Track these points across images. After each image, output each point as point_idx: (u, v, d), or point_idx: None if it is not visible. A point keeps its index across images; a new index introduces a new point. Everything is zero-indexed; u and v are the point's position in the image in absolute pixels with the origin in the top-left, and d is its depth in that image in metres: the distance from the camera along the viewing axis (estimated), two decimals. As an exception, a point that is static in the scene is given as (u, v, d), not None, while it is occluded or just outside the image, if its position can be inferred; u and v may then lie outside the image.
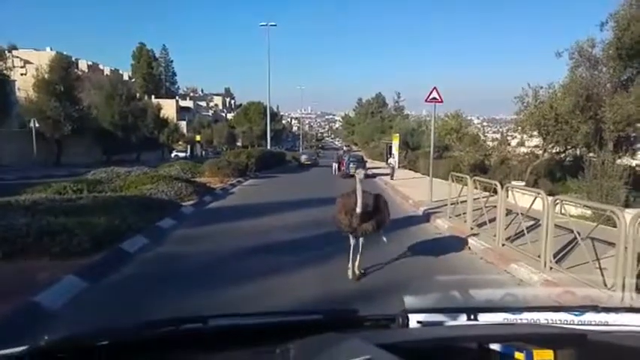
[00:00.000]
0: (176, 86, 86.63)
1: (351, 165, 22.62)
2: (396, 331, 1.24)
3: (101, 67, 74.64)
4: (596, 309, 1.33)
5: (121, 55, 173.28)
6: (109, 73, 62.91)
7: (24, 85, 32.92)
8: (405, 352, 0.94)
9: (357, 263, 5.55)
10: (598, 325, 1.26)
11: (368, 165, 26.98)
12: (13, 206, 7.85)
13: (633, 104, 14.22)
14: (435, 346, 1.05)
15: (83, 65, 64.82)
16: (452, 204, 9.83)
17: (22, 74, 47.77)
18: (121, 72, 72.71)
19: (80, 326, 3.60)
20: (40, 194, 9.90)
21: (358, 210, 5.25)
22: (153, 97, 58.80)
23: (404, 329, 1.23)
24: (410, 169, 29.76)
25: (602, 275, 5.15)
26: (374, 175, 23.91)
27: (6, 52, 31.28)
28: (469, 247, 7.48)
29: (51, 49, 54.59)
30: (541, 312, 1.31)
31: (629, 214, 5.45)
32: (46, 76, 28.98)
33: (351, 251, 5.56)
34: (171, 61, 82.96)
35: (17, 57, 52.78)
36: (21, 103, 30.73)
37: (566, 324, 1.26)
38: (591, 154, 14.79)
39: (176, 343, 1.16)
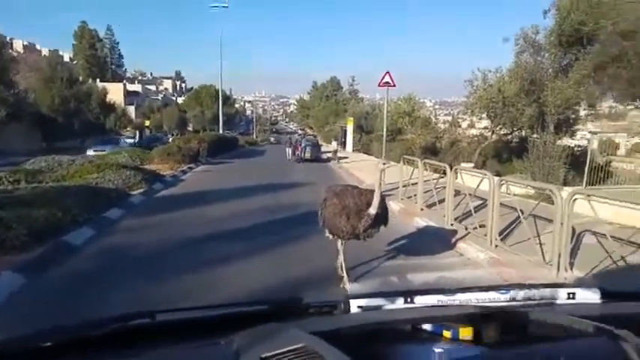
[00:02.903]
0: (123, 69, 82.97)
1: (306, 149, 22.59)
2: (336, 317, 1.28)
3: (38, 47, 70.17)
4: (521, 286, 1.43)
5: (61, 35, 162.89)
6: (47, 54, 59.26)
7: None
8: (342, 338, 0.97)
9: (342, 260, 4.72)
10: (522, 300, 1.34)
11: (323, 149, 27.08)
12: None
13: (572, 88, 14.91)
14: (372, 330, 1.10)
15: (18, 45, 60.69)
16: (404, 186, 10.03)
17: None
18: (61, 53, 68.65)
19: (19, 326, 3.43)
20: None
21: (373, 211, 4.26)
22: (98, 80, 56.08)
23: (344, 315, 1.27)
24: (364, 153, 30.09)
25: (542, 250, 5.42)
26: (328, 159, 24.04)
27: None
28: (419, 228, 7.66)
29: (-18, 29, 50.81)
30: (472, 292, 1.37)
31: (566, 191, 5.76)
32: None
33: (342, 256, 4.70)
34: (117, 43, 79.25)
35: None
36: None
37: (494, 302, 1.34)
38: (535, 136, 15.43)
39: (123, 340, 1.14)
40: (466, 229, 6.92)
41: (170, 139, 33.20)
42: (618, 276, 4.55)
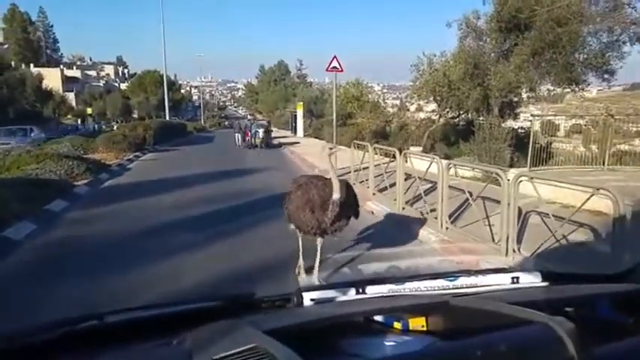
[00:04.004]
0: (59, 54, 78.50)
1: (257, 135, 22.16)
2: (289, 311, 1.28)
3: (-36, 31, 64.93)
4: (468, 273, 1.47)
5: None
6: (-26, 38, 54.96)
7: None
8: (294, 335, 0.98)
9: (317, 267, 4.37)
10: (468, 287, 1.38)
11: (274, 134, 26.76)
12: None
13: (513, 73, 15.44)
14: (324, 325, 1.10)
15: (-60, 29, 55.99)
16: (355, 171, 10.08)
17: None
18: (-11, 37, 63.98)
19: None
20: None
21: (337, 196, 3.92)
22: (32, 65, 52.75)
23: (297, 309, 1.27)
24: (316, 137, 30.05)
25: (491, 232, 5.59)
26: (280, 145, 23.81)
27: None
28: (372, 212, 7.72)
29: None
30: (421, 281, 1.41)
31: (512, 173, 5.95)
32: None
33: (301, 253, 4.45)
34: (51, 26, 74.75)
35: None
36: None
37: (443, 289, 1.38)
38: (481, 119, 15.92)
39: (69, 345, 1.10)
40: (422, 215, 7.03)
41: (115, 127, 31.79)
42: (562, 254, 4.76)
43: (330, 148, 4.56)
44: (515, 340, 0.97)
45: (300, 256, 4.52)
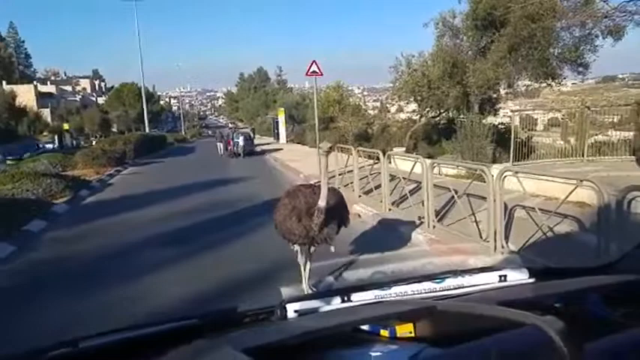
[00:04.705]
0: (32, 69, 77.13)
1: (239, 143, 22.00)
2: (272, 325, 1.24)
3: None
4: (454, 273, 1.45)
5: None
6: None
7: None
8: (277, 352, 0.95)
9: (307, 276, 4.24)
10: (456, 289, 1.36)
11: (256, 142, 26.64)
12: None
13: (491, 69, 15.63)
14: (308, 339, 1.06)
15: None
16: (340, 174, 10.05)
17: None
18: (-41, 55, 62.56)
19: None
20: None
21: (322, 203, 3.74)
22: (4, 83, 51.72)
23: (280, 322, 1.23)
24: (298, 143, 30.00)
25: (479, 228, 5.60)
26: (263, 152, 23.71)
27: None
28: (359, 215, 7.69)
29: None
30: (407, 284, 1.38)
31: (496, 169, 5.98)
32: None
33: (303, 267, 4.23)
34: (23, 42, 73.35)
35: None
36: None
37: (430, 292, 1.36)
38: (462, 116, 16.05)
39: None
40: (419, 218, 7.01)
41: (94, 142, 31.29)
42: (549, 246, 4.78)
43: (330, 148, 4.09)
44: (506, 344, 0.96)
45: (302, 267, 4.24)
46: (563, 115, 14.43)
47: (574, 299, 1.29)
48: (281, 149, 24.81)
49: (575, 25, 14.54)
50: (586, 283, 1.39)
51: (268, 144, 28.98)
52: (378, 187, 8.23)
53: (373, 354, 1.10)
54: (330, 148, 4.10)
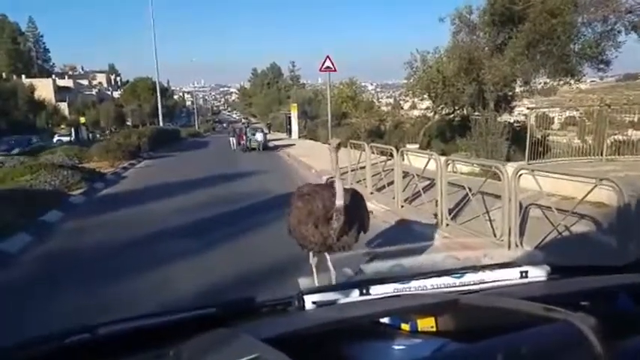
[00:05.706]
0: (51, 64, 78.16)
1: (252, 138, 22.07)
2: (290, 316, 1.24)
3: (-46, 43, 64.52)
4: (474, 269, 1.42)
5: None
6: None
7: None
8: (296, 342, 0.94)
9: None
10: (476, 284, 1.34)
11: (269, 137, 26.68)
12: None
13: (508, 66, 15.37)
14: (326, 330, 1.05)
15: None
16: (352, 170, 9.99)
17: None
18: (-21, 49, 63.62)
19: None
20: None
21: (340, 202, 3.37)
22: (23, 76, 52.54)
23: (298, 313, 1.22)
24: (311, 139, 29.97)
25: (492, 227, 5.51)
26: (276, 147, 23.73)
27: None
28: (371, 212, 7.61)
29: None
30: (426, 279, 1.36)
31: (511, 167, 5.88)
32: None
33: (315, 269, 3.77)
34: (42, 36, 74.38)
35: None
36: None
37: (450, 287, 1.34)
38: (476, 114, 15.85)
39: (62, 358, 1.06)
40: (435, 216, 6.94)
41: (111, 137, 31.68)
42: (565, 246, 4.69)
43: (339, 144, 3.89)
44: (535, 339, 0.92)
45: (313, 267, 3.86)
46: (580, 114, 14.17)
47: (601, 297, 1.26)
48: (293, 145, 24.82)
49: (597, 20, 14.18)
50: (611, 281, 1.36)
51: (281, 139, 28.99)
52: (390, 183, 8.17)
53: (396, 347, 1.08)
54: (339, 144, 3.94)
